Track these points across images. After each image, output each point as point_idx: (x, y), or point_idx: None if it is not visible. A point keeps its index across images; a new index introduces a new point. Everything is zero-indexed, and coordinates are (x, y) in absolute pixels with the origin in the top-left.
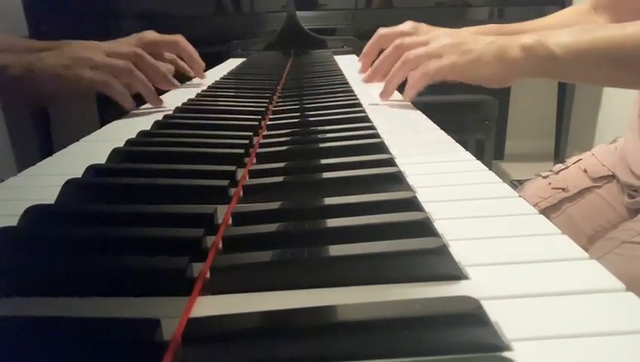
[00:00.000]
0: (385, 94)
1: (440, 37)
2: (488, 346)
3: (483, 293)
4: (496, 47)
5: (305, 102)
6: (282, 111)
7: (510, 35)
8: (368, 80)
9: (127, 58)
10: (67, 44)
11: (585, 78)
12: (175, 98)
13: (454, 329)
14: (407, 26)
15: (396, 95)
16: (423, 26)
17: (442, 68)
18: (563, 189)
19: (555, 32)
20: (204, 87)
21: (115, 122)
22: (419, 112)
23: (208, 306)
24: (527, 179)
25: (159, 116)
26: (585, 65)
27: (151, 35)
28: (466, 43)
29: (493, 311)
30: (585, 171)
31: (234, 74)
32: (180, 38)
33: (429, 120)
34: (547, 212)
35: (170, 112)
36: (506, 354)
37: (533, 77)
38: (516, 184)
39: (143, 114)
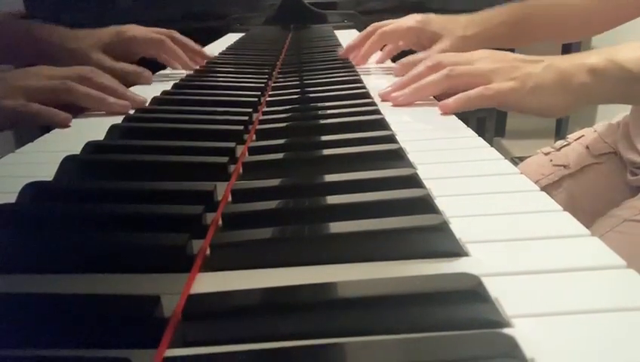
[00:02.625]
0: (407, 99)
1: (484, 58)
2: (488, 322)
3: (483, 270)
4: (556, 71)
5: (305, 78)
6: (282, 88)
7: (567, 56)
8: (388, 98)
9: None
10: (6, 73)
11: None
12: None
13: (454, 306)
14: (413, 20)
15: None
16: (433, 18)
17: (502, 91)
18: (564, 166)
19: (622, 46)
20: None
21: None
22: None
23: (208, 283)
24: (529, 156)
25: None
26: None
27: (132, 30)
28: (517, 68)
29: (494, 287)
30: (587, 148)
31: (233, 49)
32: (165, 37)
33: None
34: (548, 189)
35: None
36: (506, 330)
37: (603, 103)
38: (517, 161)
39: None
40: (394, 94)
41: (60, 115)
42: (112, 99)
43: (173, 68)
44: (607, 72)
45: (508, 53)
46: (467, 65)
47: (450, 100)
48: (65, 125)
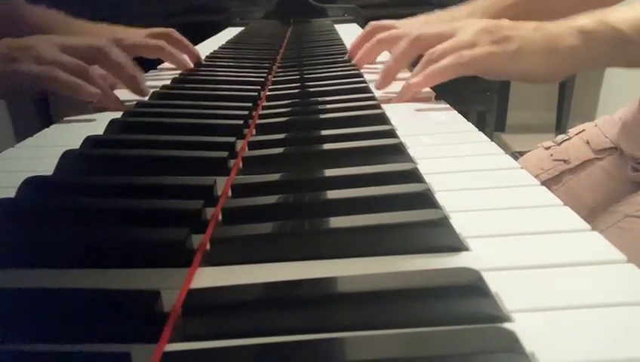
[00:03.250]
0: (382, 85)
1: (466, 27)
2: (488, 317)
3: (483, 265)
4: (543, 34)
5: (305, 72)
6: (282, 82)
7: (553, 20)
8: (381, 86)
9: (87, 52)
10: (27, 39)
11: None
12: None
13: (455, 301)
14: (412, 28)
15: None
16: (433, 20)
17: (478, 57)
18: (565, 161)
19: (613, 8)
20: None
21: (115, 92)
22: None
23: (208, 277)
24: (529, 151)
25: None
26: None
27: (131, 38)
28: (500, 32)
29: (494, 282)
30: (587, 143)
31: (232, 43)
32: (163, 42)
33: (430, 90)
34: (548, 184)
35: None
36: (506, 325)
37: (593, 68)
38: (517, 155)
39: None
40: (412, 81)
41: (89, 87)
42: (126, 77)
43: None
44: (598, 33)
45: (494, 20)
46: (448, 42)
47: (419, 76)
48: (92, 99)
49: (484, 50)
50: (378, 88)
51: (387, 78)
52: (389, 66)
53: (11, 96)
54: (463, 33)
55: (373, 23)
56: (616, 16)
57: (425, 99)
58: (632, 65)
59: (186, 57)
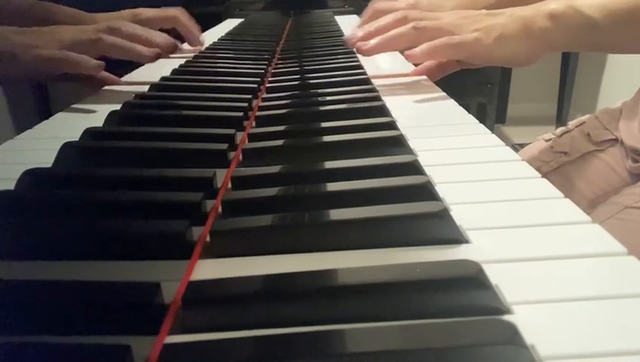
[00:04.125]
0: (371, 50)
1: (449, 15)
2: (489, 309)
3: (484, 257)
4: (519, 19)
5: (305, 64)
6: (282, 74)
7: (530, 5)
8: (351, 44)
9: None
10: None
11: (630, 46)
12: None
13: (455, 293)
14: (405, 1)
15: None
16: (424, 1)
17: (467, 42)
18: (565, 153)
19: None
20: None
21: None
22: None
23: (208, 269)
24: (529, 143)
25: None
26: (630, 30)
27: (146, 12)
28: (481, 20)
29: (494, 274)
30: (588, 135)
31: (232, 35)
32: (178, 12)
33: (431, 82)
34: (548, 176)
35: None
36: (506, 317)
37: (565, 49)
38: (517, 148)
39: (138, 76)
40: (359, 43)
41: (91, 61)
42: (140, 47)
43: (188, 43)
44: (566, 17)
45: (473, 11)
46: (433, 20)
47: (417, 49)
48: (97, 72)
49: (471, 36)
50: (360, 50)
51: (378, 50)
52: (384, 40)
53: (29, 80)
54: (450, 20)
55: (376, 4)
56: (586, 0)
57: (425, 90)
58: (599, 50)
59: (197, 32)
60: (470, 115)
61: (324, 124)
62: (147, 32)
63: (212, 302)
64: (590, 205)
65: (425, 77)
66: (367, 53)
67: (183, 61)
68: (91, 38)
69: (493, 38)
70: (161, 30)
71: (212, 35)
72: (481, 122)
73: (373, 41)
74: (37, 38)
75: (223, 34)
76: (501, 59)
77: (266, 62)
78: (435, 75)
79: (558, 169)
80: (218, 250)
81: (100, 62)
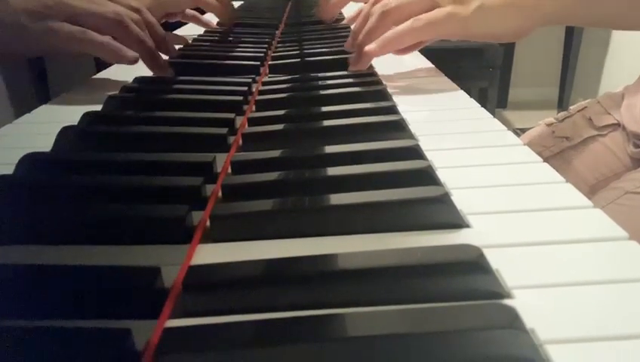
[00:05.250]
0: (356, 63)
1: None
2: (489, 294)
3: (485, 241)
4: None
5: (305, 47)
6: (282, 57)
7: None
8: (347, 46)
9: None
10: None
11: (633, 18)
12: None
13: (455, 277)
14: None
15: None
16: None
17: (435, 20)
18: (566, 138)
19: None
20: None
21: (112, 67)
22: (422, 58)
23: (208, 254)
24: (531, 128)
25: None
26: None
27: None
28: None
29: (495, 259)
30: (589, 119)
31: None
32: None
33: (432, 65)
34: (550, 160)
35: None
36: (506, 301)
37: (560, 22)
38: (519, 132)
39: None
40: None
41: (129, 52)
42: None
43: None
44: None
45: None
46: (404, 4)
47: (372, 45)
48: (131, 63)
49: (444, 11)
50: (353, 67)
51: (362, 56)
52: (363, 42)
53: (36, 55)
54: None
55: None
56: None
57: (426, 75)
58: (603, 22)
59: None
60: (472, 99)
61: (325, 108)
62: (162, 36)
63: (212, 286)
64: (591, 190)
65: (428, 62)
66: (374, 54)
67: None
68: (113, 17)
69: (472, 10)
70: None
71: (212, 18)
72: (482, 107)
73: (354, 58)
74: (43, 6)
75: None
76: (482, 34)
77: (266, 46)
78: (407, 51)
79: (559, 154)
80: (218, 234)
81: (136, 54)
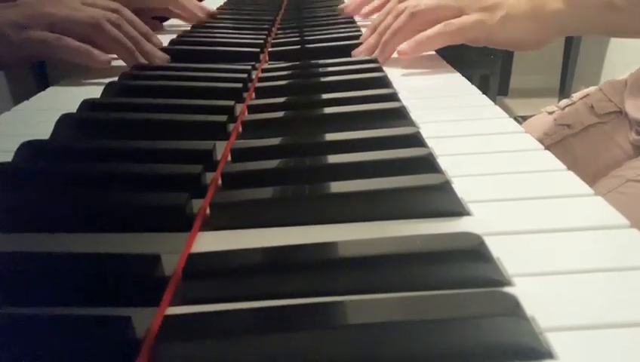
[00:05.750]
0: (382, 55)
1: None
2: (490, 281)
3: (485, 229)
4: (528, 1)
5: (305, 34)
6: (282, 44)
7: None
8: (364, 38)
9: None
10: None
11: None
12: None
13: (456, 265)
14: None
15: None
16: None
17: (465, 26)
18: (568, 126)
19: None
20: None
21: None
22: None
23: (208, 242)
24: (532, 115)
25: None
26: None
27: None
28: None
29: (496, 246)
30: (591, 107)
31: (231, 4)
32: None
33: (434, 52)
34: (551, 148)
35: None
36: (507, 289)
37: (578, 34)
38: (520, 120)
39: None
40: (365, 52)
41: (101, 56)
42: (144, 45)
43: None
44: None
45: None
46: (432, 1)
47: (406, 45)
48: (103, 66)
49: (472, 18)
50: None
51: (389, 53)
52: (388, 42)
53: (20, 63)
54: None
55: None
56: None
57: (427, 61)
58: (616, 34)
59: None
60: (473, 86)
61: (325, 96)
62: (143, 32)
63: (212, 274)
64: (592, 178)
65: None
66: (381, 60)
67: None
68: (88, 21)
69: (498, 18)
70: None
71: (210, 5)
72: (483, 94)
73: (379, 52)
74: (25, 17)
75: (222, 3)
76: (505, 42)
77: (266, 33)
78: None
79: (560, 142)
80: (218, 222)
81: (110, 57)
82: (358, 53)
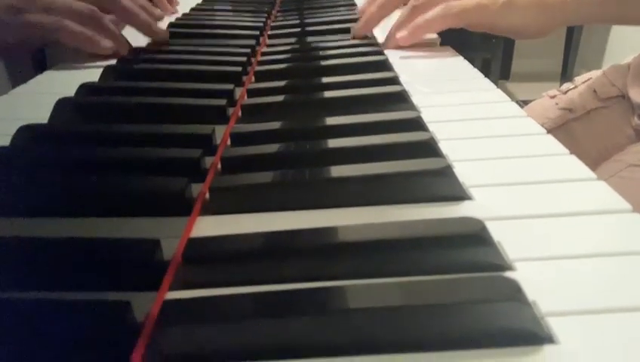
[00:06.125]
0: (389, 44)
1: None
2: (491, 266)
3: (487, 214)
4: None
5: (305, 16)
6: (281, 27)
7: None
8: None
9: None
10: None
11: None
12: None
13: (457, 250)
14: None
15: None
16: None
17: (465, 9)
18: (570, 110)
19: None
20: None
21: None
22: None
23: (208, 226)
24: (534, 100)
25: None
26: None
27: None
28: None
29: (497, 231)
30: (594, 91)
31: None
32: None
33: (435, 34)
34: (552, 133)
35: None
36: (508, 273)
37: (583, 22)
38: (522, 104)
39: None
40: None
41: (102, 41)
42: (145, 16)
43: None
44: None
45: None
46: None
47: (405, 32)
48: (105, 53)
49: (472, 2)
50: (356, 35)
51: (367, 25)
52: (372, 13)
53: (18, 48)
54: None
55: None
56: None
57: (429, 45)
58: (621, 21)
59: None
60: (475, 70)
61: (325, 79)
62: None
63: (212, 258)
64: (594, 162)
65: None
66: (405, 42)
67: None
68: (86, 13)
69: (500, 4)
70: None
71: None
72: (485, 78)
73: (407, 33)
74: (21, 0)
75: None
76: (507, 29)
77: (266, 15)
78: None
79: (562, 126)
80: (218, 207)
81: (112, 44)
82: (358, 28)
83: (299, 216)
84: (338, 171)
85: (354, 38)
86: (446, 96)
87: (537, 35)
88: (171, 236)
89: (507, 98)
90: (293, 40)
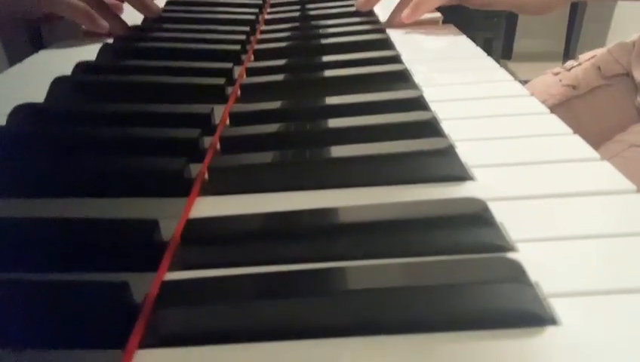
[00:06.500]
0: (391, 21)
1: None
2: (493, 247)
3: (489, 194)
4: None
5: None
6: (281, 4)
7: None
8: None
9: None
10: None
11: None
12: None
13: (459, 230)
14: None
15: None
16: None
17: None
18: (573, 87)
19: None
20: None
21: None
22: None
23: (207, 207)
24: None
25: None
26: None
27: None
28: None
29: (500, 212)
30: (598, 68)
31: None
32: None
33: (438, 13)
34: (554, 109)
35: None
36: (510, 254)
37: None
38: (523, 84)
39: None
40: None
41: (99, 19)
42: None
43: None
44: None
45: None
46: None
47: (407, 10)
48: (103, 31)
49: None
50: (359, 7)
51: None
52: (393, 16)
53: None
54: None
55: None
56: None
57: (431, 24)
58: None
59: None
60: (478, 48)
61: (326, 58)
62: None
63: (211, 239)
64: (595, 141)
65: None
66: (407, 20)
67: None
68: None
69: None
70: None
71: None
72: (488, 56)
73: (409, 10)
74: None
75: None
76: (507, 2)
77: None
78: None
79: (565, 103)
80: (217, 187)
81: (107, 25)
82: (361, 2)
83: (299, 197)
84: (338, 151)
85: (357, 9)
86: (448, 75)
87: (540, 11)
88: (170, 216)
89: (510, 77)
90: (292, 17)
